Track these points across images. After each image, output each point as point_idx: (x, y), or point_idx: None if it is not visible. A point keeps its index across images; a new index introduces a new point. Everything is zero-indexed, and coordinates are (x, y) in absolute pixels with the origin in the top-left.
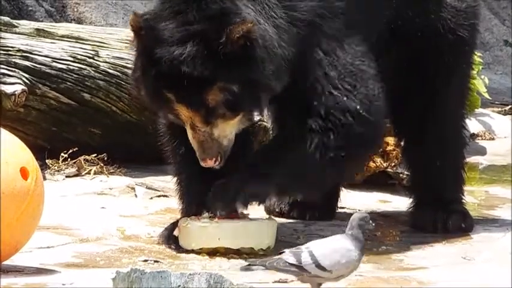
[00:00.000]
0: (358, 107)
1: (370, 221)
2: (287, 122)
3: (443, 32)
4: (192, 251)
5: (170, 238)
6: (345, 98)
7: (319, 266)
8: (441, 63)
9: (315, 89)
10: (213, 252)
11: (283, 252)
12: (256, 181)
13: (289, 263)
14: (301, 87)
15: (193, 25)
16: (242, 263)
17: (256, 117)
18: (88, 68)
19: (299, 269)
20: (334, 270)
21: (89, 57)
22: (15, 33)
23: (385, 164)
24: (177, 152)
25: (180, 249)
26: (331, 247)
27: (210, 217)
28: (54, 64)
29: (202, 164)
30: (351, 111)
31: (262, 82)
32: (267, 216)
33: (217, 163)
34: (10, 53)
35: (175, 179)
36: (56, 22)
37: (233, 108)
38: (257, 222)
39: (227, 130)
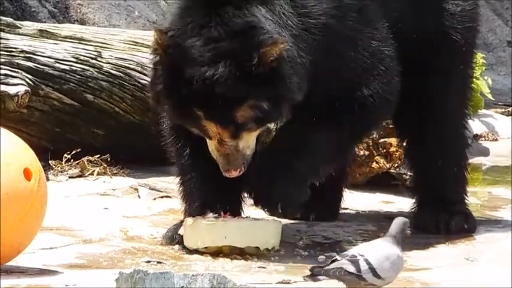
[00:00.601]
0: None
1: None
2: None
3: (440, 34)
4: (196, 252)
5: (173, 239)
6: (358, 96)
7: (375, 274)
8: (440, 65)
9: (328, 92)
10: (216, 253)
11: (335, 259)
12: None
13: (348, 272)
14: (316, 90)
15: (220, 42)
16: (245, 263)
17: None
18: (91, 69)
19: (358, 278)
20: (386, 278)
21: (92, 58)
22: (18, 34)
23: (388, 165)
24: (181, 154)
25: (183, 249)
26: (383, 254)
27: (215, 217)
28: (57, 65)
29: (226, 174)
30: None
31: (289, 96)
32: (271, 217)
33: (240, 172)
34: (13, 53)
35: (179, 179)
36: (59, 23)
37: (261, 122)
38: (264, 221)
39: (250, 141)
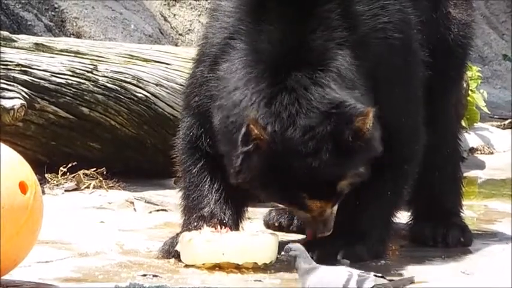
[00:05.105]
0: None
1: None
2: None
3: (434, 51)
4: (192, 265)
5: (169, 252)
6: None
7: None
8: (436, 80)
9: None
10: (212, 267)
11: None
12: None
13: None
14: None
15: (316, 129)
16: (241, 277)
17: None
18: (87, 82)
19: None
20: None
21: (88, 72)
22: (14, 47)
23: None
24: (189, 170)
25: (179, 263)
26: None
27: (211, 231)
28: (53, 78)
29: (320, 235)
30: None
31: (379, 151)
32: (267, 230)
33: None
34: (9, 67)
35: (182, 193)
36: (55, 36)
37: (355, 184)
38: (261, 236)
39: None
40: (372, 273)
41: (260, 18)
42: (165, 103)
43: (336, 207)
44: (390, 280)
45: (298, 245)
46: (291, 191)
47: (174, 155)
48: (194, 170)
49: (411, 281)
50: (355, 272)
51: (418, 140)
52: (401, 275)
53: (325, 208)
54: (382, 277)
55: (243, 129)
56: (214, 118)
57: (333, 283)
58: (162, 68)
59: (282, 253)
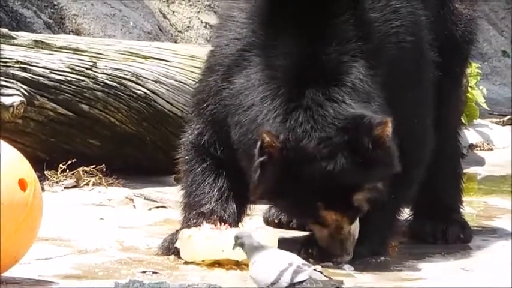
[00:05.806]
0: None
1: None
2: None
3: (439, 49)
4: (191, 262)
5: (169, 249)
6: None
7: None
8: (439, 77)
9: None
10: (212, 264)
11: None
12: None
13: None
14: None
15: (333, 139)
16: (241, 273)
17: None
18: (86, 79)
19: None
20: None
21: (87, 69)
22: (14, 44)
23: None
24: (192, 169)
25: (179, 259)
26: None
27: (211, 228)
28: (52, 75)
29: (339, 260)
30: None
31: (397, 168)
32: (267, 227)
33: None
34: (8, 64)
35: (184, 191)
36: (54, 34)
37: (373, 202)
38: (261, 232)
39: (357, 222)
40: (312, 267)
41: (274, 30)
42: (165, 100)
43: (356, 230)
44: (327, 277)
45: (244, 231)
46: (307, 200)
47: (178, 156)
48: (198, 169)
49: (338, 284)
50: (296, 263)
51: (426, 144)
52: (400, 270)
53: (342, 223)
54: (320, 272)
55: (258, 143)
56: (232, 132)
57: (269, 274)
58: (162, 65)
59: (234, 244)
